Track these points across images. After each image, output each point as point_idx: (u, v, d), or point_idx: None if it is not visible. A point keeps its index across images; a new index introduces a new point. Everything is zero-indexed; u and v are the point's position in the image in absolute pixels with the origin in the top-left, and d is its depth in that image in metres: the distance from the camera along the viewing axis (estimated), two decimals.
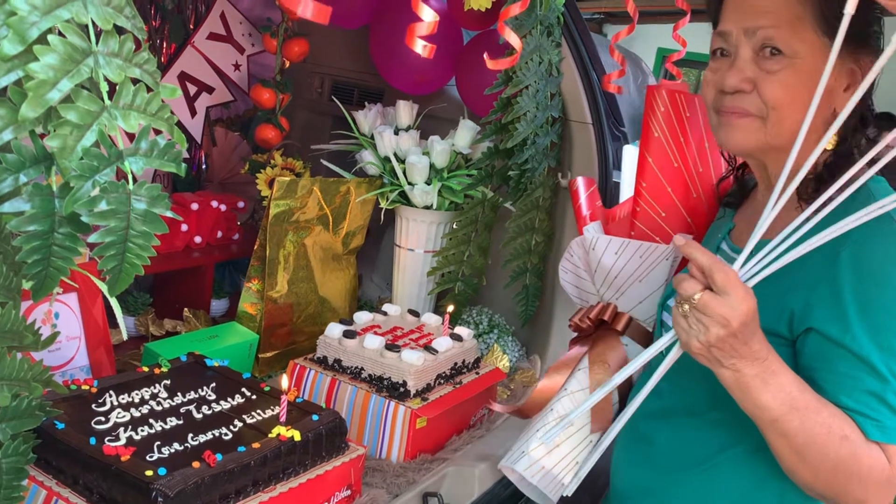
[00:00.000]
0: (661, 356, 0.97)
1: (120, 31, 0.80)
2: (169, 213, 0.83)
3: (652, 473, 1.07)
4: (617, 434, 1.04)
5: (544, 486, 1.22)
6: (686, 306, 0.85)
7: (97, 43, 0.78)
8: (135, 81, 0.81)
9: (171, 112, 0.85)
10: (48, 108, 0.75)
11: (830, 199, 0.83)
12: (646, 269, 1.20)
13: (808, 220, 0.84)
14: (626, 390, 1.24)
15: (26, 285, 0.83)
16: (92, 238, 0.79)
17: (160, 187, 0.83)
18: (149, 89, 0.82)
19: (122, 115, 0.79)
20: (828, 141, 0.83)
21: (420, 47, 1.14)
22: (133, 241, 0.81)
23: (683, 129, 1.23)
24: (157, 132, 0.84)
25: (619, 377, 0.99)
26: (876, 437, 0.85)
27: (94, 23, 0.78)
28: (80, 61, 0.76)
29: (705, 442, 1.02)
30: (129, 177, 0.81)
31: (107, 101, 0.79)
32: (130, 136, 0.83)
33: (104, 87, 0.79)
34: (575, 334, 1.35)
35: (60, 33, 0.75)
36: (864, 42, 0.91)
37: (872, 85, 0.87)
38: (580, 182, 1.44)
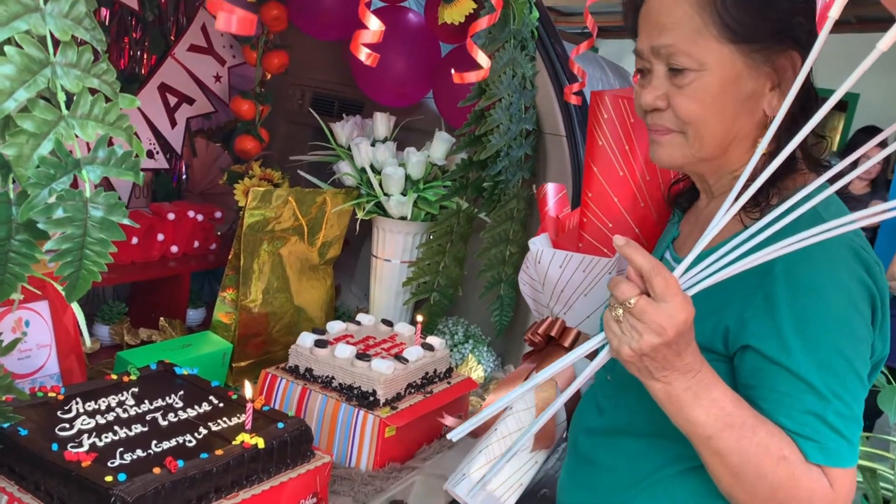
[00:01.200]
0: (603, 376, 0.95)
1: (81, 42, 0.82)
2: (126, 221, 0.84)
3: (593, 496, 1.03)
4: (559, 456, 1.01)
5: (495, 487, 1.20)
6: (620, 310, 0.80)
7: (55, 54, 0.79)
8: (93, 92, 0.83)
9: (130, 122, 0.86)
10: (5, 118, 0.77)
11: (783, 214, 0.81)
12: (590, 282, 1.18)
13: (754, 235, 0.81)
14: (573, 408, 1.22)
15: None
16: (48, 245, 0.80)
17: (117, 195, 0.84)
18: (107, 99, 0.84)
19: (79, 125, 0.81)
20: (765, 146, 0.81)
21: (364, 55, 1.16)
22: (90, 248, 0.83)
23: (629, 136, 1.20)
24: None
25: (563, 398, 0.95)
26: (816, 460, 0.81)
27: (52, 34, 0.79)
28: (37, 72, 0.78)
29: (644, 461, 0.98)
30: (87, 185, 0.82)
31: (64, 111, 0.80)
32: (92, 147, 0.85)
33: (62, 98, 0.80)
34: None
35: (17, 45, 0.76)
36: (782, 39, 0.86)
37: (809, 80, 0.84)
38: (549, 188, 1.45)
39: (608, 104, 1.21)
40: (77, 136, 0.81)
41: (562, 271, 1.21)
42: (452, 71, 1.44)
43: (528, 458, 1.24)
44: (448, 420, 1.36)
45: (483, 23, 1.40)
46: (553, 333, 1.22)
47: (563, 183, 1.84)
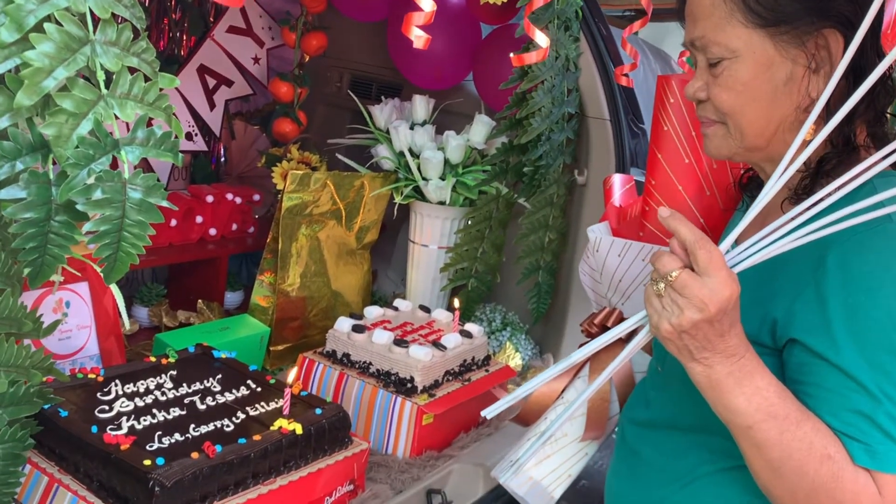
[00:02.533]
0: (654, 367, 0.91)
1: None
2: (165, 203, 0.83)
3: (636, 488, 1.00)
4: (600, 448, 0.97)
5: (532, 498, 1.18)
6: (661, 284, 0.76)
7: (94, 32, 0.78)
8: (133, 71, 0.81)
9: (169, 102, 0.85)
10: (45, 97, 0.75)
11: (830, 195, 0.77)
12: (649, 272, 1.15)
13: (801, 214, 0.77)
14: (626, 396, 1.19)
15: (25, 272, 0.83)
16: (87, 226, 0.79)
17: (156, 177, 0.83)
18: (147, 79, 0.82)
19: (118, 105, 0.79)
20: (806, 132, 0.76)
21: (415, 37, 1.12)
22: (128, 230, 0.81)
23: (695, 121, 1.15)
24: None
25: (597, 383, 0.90)
26: (864, 463, 0.75)
27: (91, 11, 0.78)
28: (77, 50, 0.76)
29: (686, 456, 0.94)
30: (125, 166, 0.81)
31: (103, 90, 0.79)
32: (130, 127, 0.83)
33: (101, 76, 0.79)
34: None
35: (58, 21, 0.75)
36: (814, 20, 0.81)
37: (864, 61, 0.78)
38: (615, 179, 1.39)
39: (675, 88, 1.16)
40: (116, 117, 0.80)
41: (620, 260, 1.17)
42: (511, 54, 1.40)
43: (577, 448, 1.21)
44: (499, 394, 1.34)
45: (539, 1, 1.36)
46: (609, 324, 1.18)
47: (606, 167, 1.79)
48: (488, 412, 0.94)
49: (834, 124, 0.77)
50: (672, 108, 1.16)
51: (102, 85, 0.79)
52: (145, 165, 1.85)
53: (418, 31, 1.12)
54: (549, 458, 1.19)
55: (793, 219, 0.78)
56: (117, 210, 0.81)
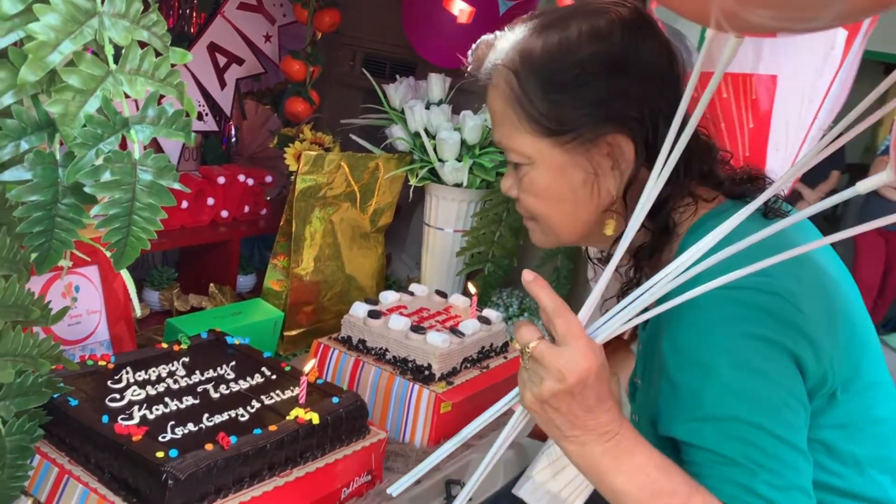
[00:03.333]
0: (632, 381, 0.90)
1: None
2: (176, 185, 0.79)
3: None
4: None
5: (560, 487, 1.15)
6: (525, 357, 0.75)
7: (102, 3, 0.73)
8: (142, 45, 0.77)
9: (181, 79, 0.80)
10: (50, 72, 0.71)
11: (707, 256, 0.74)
12: None
13: (654, 285, 0.74)
14: None
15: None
16: (95, 210, 0.75)
17: (167, 158, 0.78)
18: (157, 54, 0.78)
19: (127, 81, 0.75)
20: (633, 232, 0.75)
21: (459, 11, 1.07)
22: (139, 213, 0.77)
23: None
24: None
25: (491, 453, 0.89)
26: None
27: None
28: (84, 22, 0.72)
29: None
30: (136, 146, 0.77)
31: (112, 66, 0.74)
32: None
33: (109, 51, 0.74)
34: None
35: None
36: (597, 126, 0.83)
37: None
38: None
39: None
40: (126, 94, 0.76)
41: None
42: None
43: None
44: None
45: None
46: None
47: None
48: (395, 489, 0.91)
49: (632, 232, 0.75)
50: None
51: (111, 60, 0.74)
52: (155, 146, 1.81)
53: (461, 5, 1.06)
54: (565, 469, 1.16)
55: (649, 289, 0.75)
56: (127, 193, 0.77)
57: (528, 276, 0.76)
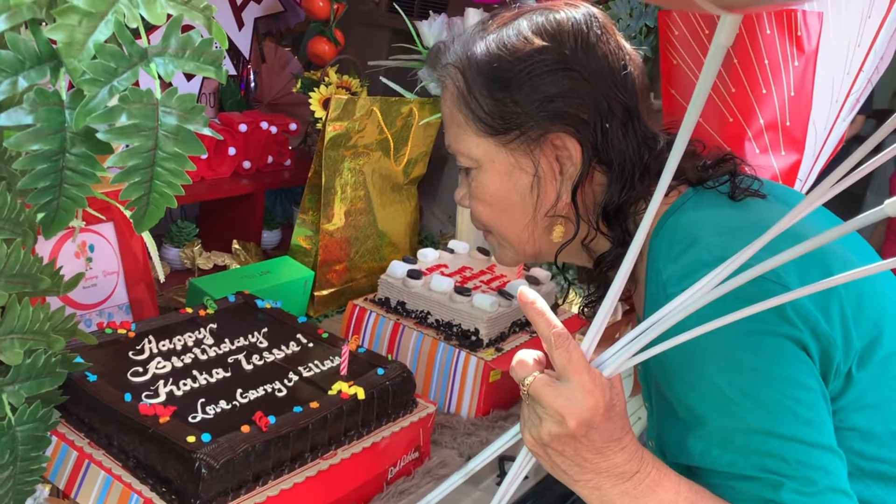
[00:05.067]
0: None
1: None
2: (207, 131, 0.66)
3: None
4: None
5: None
6: (523, 392, 0.66)
7: None
8: None
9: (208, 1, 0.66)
10: None
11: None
12: None
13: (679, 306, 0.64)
14: None
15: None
16: (110, 161, 0.63)
17: (195, 97, 0.65)
18: None
19: (145, 2, 0.61)
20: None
21: None
22: (162, 164, 0.64)
23: (704, 49, 1.07)
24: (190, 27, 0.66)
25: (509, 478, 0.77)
26: None
27: None
28: None
29: None
30: (157, 83, 0.63)
31: None
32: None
33: None
34: None
35: None
36: (542, 125, 0.79)
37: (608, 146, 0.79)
38: None
39: (677, 20, 1.08)
40: (143, 19, 0.62)
41: None
42: None
43: (631, 411, 1.16)
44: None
45: None
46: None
47: None
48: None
49: (635, 250, 0.64)
50: (678, 40, 1.07)
51: None
52: (164, 88, 1.67)
53: None
54: None
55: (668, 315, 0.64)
56: (148, 139, 0.64)
57: (525, 297, 0.66)
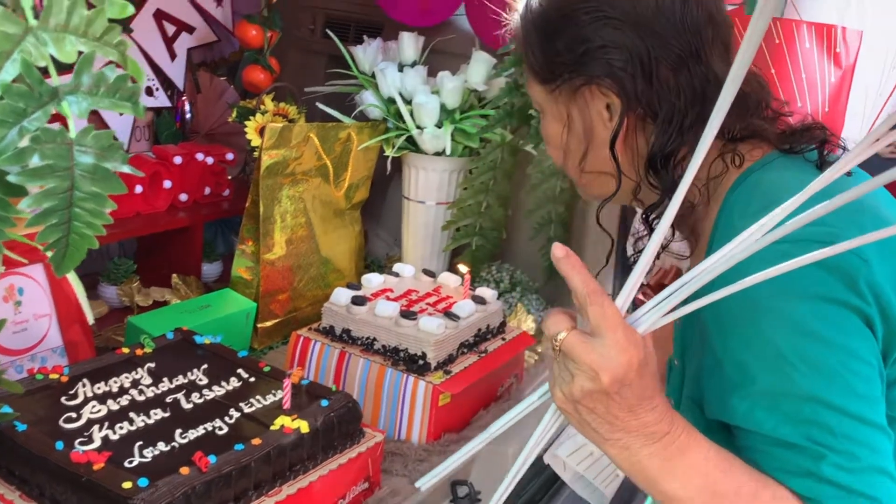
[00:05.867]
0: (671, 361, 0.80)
1: None
2: (126, 168, 0.64)
3: None
4: None
5: (594, 475, 1.06)
6: (554, 349, 0.65)
7: None
8: None
9: (121, 37, 0.65)
10: None
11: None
12: None
13: (717, 261, 0.63)
14: None
15: None
16: (24, 203, 0.60)
17: (112, 134, 0.63)
18: (90, 5, 0.63)
19: (53, 40, 0.59)
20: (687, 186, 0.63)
21: None
22: (80, 205, 0.62)
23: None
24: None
25: (519, 462, 0.74)
26: None
27: None
28: None
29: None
30: (71, 122, 0.62)
31: (32, 21, 0.59)
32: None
33: (28, 3, 0.59)
34: None
35: None
36: (577, 75, 0.80)
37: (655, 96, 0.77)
38: None
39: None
40: (52, 57, 0.60)
41: None
42: None
43: None
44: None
45: None
46: (667, 282, 1.03)
47: None
48: (423, 483, 0.81)
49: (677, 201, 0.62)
50: None
51: (30, 14, 0.59)
52: (98, 123, 1.63)
53: None
54: (593, 455, 1.11)
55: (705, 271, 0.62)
56: (64, 180, 0.62)
57: (558, 251, 0.64)
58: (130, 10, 0.64)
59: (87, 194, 0.63)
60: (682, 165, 0.78)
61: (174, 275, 1.61)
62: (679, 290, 0.62)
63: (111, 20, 0.63)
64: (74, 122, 0.61)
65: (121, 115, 1.72)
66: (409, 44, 1.71)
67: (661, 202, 0.80)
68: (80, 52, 0.62)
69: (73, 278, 0.88)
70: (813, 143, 0.78)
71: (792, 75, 1.15)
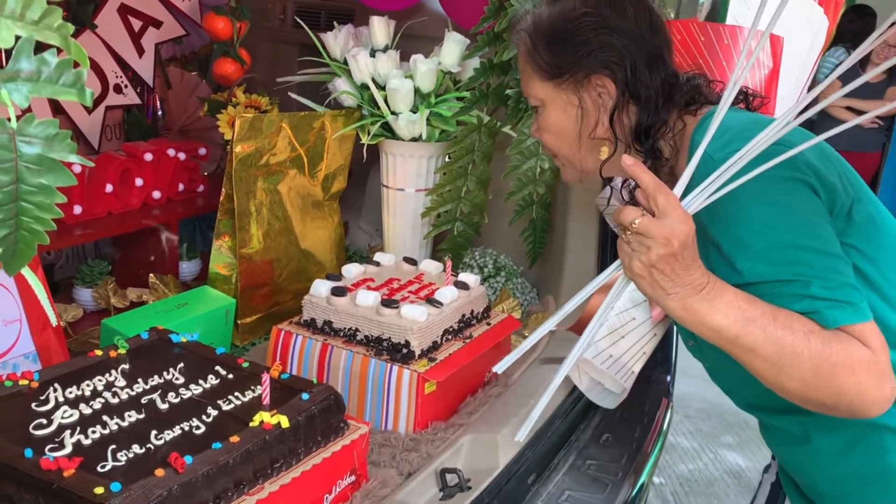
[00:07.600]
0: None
1: None
2: (74, 158, 0.61)
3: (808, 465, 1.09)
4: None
5: (615, 371, 1.25)
6: (628, 233, 0.86)
7: None
8: None
9: (64, 19, 0.61)
10: None
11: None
12: None
13: (739, 159, 0.87)
14: None
15: None
16: None
17: (57, 122, 0.60)
18: None
19: None
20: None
21: None
22: (27, 199, 0.59)
23: (703, 56, 1.26)
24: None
25: (586, 335, 0.96)
26: (833, 324, 0.85)
27: None
28: None
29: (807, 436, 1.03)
30: (11, 111, 0.58)
31: None
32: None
33: None
34: None
35: None
36: (582, 69, 1.03)
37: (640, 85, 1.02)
38: None
39: (678, 26, 1.26)
40: None
41: None
42: None
43: (648, 328, 1.30)
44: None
45: None
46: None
47: None
48: (500, 367, 0.99)
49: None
50: (680, 44, 1.27)
51: None
52: (64, 122, 1.59)
53: None
54: (624, 338, 1.27)
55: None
56: (7, 173, 0.58)
57: (627, 160, 0.85)
58: None
59: (33, 187, 0.59)
60: (659, 134, 1.04)
61: (151, 274, 1.58)
62: (709, 185, 0.88)
63: (49, 2, 0.60)
64: (14, 111, 0.57)
65: (90, 113, 1.69)
66: (381, 28, 1.67)
67: (645, 164, 0.96)
68: (18, 38, 0.58)
69: (31, 279, 0.84)
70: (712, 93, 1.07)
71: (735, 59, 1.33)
